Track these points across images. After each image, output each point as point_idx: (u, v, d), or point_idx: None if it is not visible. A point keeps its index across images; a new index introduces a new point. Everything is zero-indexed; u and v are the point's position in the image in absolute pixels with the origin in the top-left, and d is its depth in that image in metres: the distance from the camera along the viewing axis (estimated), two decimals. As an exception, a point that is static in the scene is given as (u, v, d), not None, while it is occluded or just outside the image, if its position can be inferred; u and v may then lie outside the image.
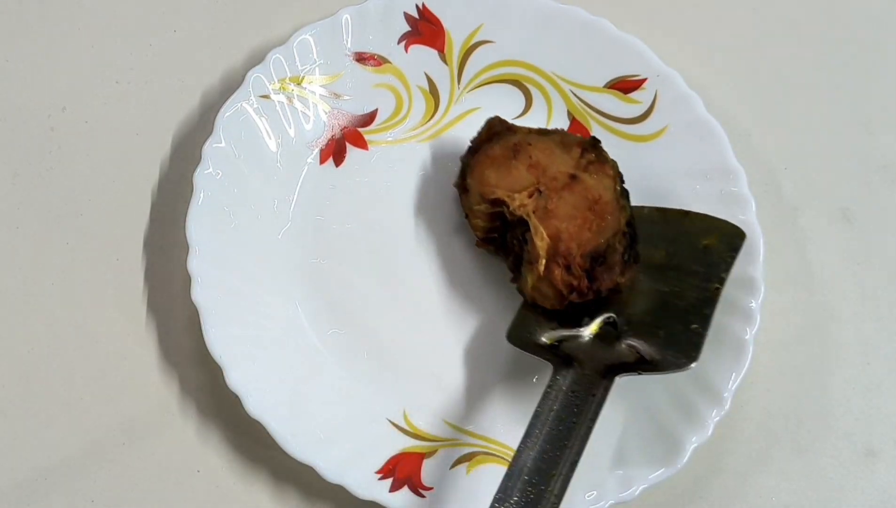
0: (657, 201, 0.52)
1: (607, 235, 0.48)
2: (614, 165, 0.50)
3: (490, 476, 0.49)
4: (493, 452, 0.50)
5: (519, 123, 0.52)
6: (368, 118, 0.54)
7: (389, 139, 0.54)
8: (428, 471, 0.49)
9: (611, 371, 0.45)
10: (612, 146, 0.53)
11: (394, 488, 0.48)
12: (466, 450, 0.49)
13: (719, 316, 0.48)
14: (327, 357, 0.51)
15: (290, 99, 0.53)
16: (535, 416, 0.44)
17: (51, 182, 0.54)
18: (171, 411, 0.51)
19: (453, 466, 0.49)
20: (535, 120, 0.54)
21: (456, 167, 0.52)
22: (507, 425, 0.50)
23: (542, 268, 0.47)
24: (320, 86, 0.54)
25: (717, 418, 0.48)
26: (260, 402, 0.48)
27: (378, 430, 0.49)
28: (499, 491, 0.42)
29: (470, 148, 0.51)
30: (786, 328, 0.54)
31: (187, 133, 0.55)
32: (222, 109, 0.51)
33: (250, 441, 0.51)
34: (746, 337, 0.49)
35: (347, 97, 0.54)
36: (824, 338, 0.54)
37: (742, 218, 0.51)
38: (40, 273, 0.53)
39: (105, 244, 0.53)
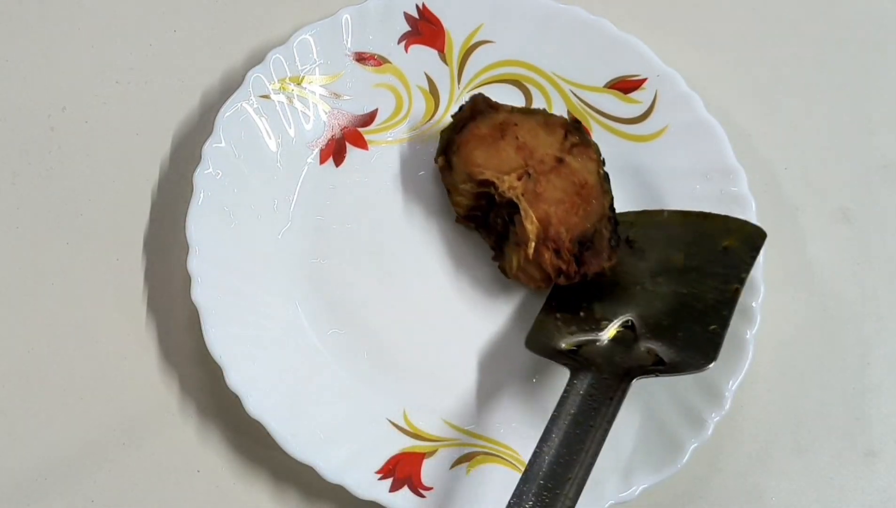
0: (657, 202, 0.52)
1: (593, 219, 0.48)
2: (597, 148, 0.50)
3: (490, 477, 0.49)
4: (493, 452, 0.50)
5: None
6: (368, 118, 0.54)
7: (389, 139, 0.54)
8: (428, 471, 0.49)
9: (628, 374, 0.45)
10: (612, 146, 0.53)
11: (394, 488, 0.48)
12: (466, 450, 0.49)
13: (719, 316, 0.48)
14: (327, 357, 0.51)
15: (290, 99, 0.53)
16: (552, 420, 0.44)
17: (51, 182, 0.54)
18: (171, 411, 0.51)
19: (453, 466, 0.49)
20: (535, 120, 0.54)
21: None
22: (507, 425, 0.50)
23: (531, 251, 0.48)
24: (320, 86, 0.54)
25: (717, 418, 0.48)
26: (260, 402, 0.48)
27: (378, 430, 0.49)
28: (513, 496, 0.42)
29: (453, 124, 0.51)
30: (786, 328, 0.54)
31: (187, 133, 0.55)
32: (222, 109, 0.51)
33: (250, 441, 0.51)
34: (746, 337, 0.49)
35: (347, 97, 0.54)
36: (824, 338, 0.54)
37: (742, 218, 0.51)
38: (40, 273, 0.53)
39: (105, 244, 0.53)
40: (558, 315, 0.50)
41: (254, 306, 0.50)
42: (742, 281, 0.48)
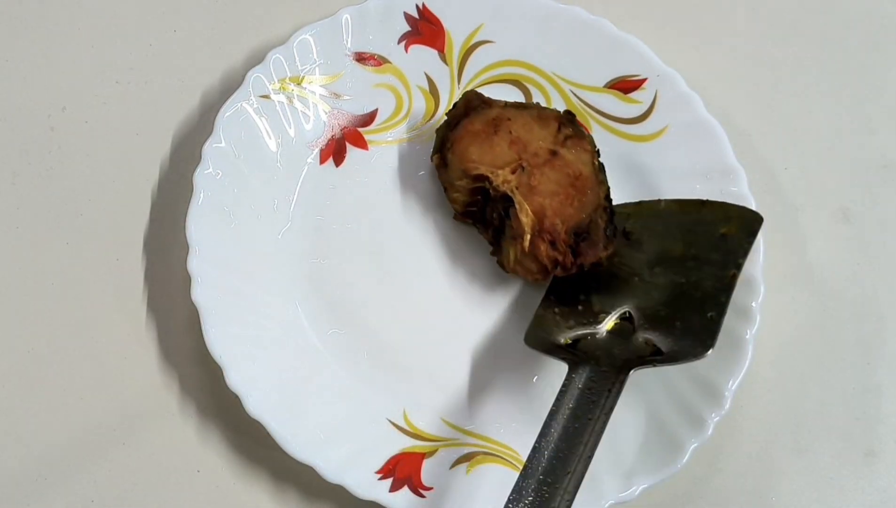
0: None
1: (589, 210, 0.49)
2: (591, 139, 0.51)
3: (490, 476, 0.49)
4: (493, 452, 0.50)
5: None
6: (368, 118, 0.54)
7: (389, 139, 0.54)
8: (428, 471, 0.49)
9: (627, 366, 0.46)
10: (612, 146, 0.53)
11: (394, 488, 0.48)
12: (466, 450, 0.49)
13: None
14: (327, 357, 0.51)
15: (290, 99, 0.53)
16: (551, 415, 0.44)
17: (51, 182, 0.54)
18: (171, 411, 0.51)
19: (453, 466, 0.49)
20: (535, 120, 0.54)
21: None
22: (507, 425, 0.50)
23: (527, 243, 0.48)
24: (320, 86, 0.54)
25: (717, 418, 0.48)
26: (260, 402, 0.48)
27: (378, 430, 0.49)
28: (513, 492, 0.42)
29: (447, 122, 0.51)
30: (786, 328, 0.54)
31: (187, 133, 0.55)
32: (222, 109, 0.51)
33: (250, 441, 0.51)
34: (746, 337, 0.49)
35: (347, 97, 0.54)
36: (824, 338, 0.54)
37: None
38: (40, 273, 0.53)
39: (105, 244, 0.53)
40: (556, 310, 0.50)
41: (254, 306, 0.50)
42: (739, 266, 0.48)
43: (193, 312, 0.49)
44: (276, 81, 0.53)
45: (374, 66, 0.54)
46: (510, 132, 0.50)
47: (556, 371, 0.51)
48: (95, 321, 0.52)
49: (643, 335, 0.48)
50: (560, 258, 0.48)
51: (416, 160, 0.54)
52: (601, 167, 0.50)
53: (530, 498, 0.41)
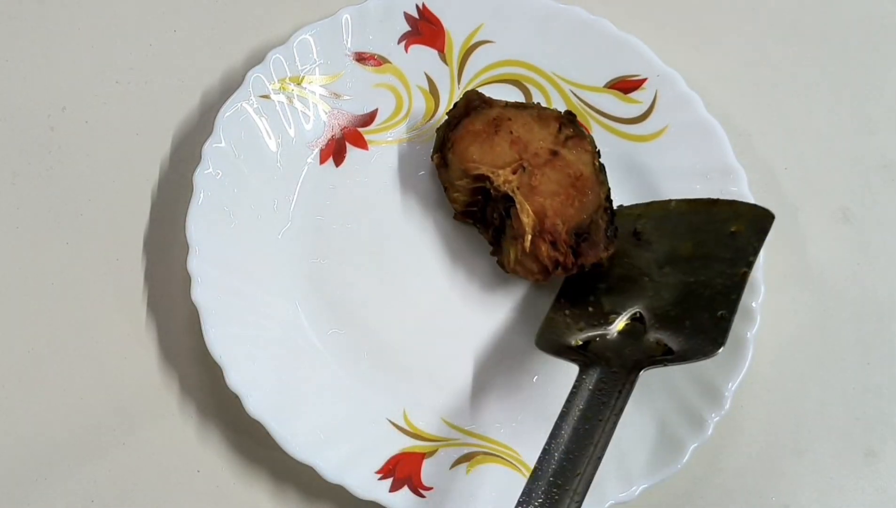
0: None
1: (589, 210, 0.49)
2: (591, 139, 0.51)
3: (490, 476, 0.49)
4: (493, 452, 0.50)
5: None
6: (368, 118, 0.54)
7: (389, 139, 0.54)
8: (428, 471, 0.49)
9: (637, 366, 0.46)
10: (613, 146, 0.53)
11: (394, 488, 0.48)
12: (466, 450, 0.49)
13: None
14: (327, 357, 0.51)
15: (290, 99, 0.53)
16: (561, 416, 0.44)
17: (51, 182, 0.54)
18: (171, 411, 0.51)
19: (453, 466, 0.49)
20: (535, 120, 0.54)
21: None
22: (507, 425, 0.50)
23: (527, 244, 0.48)
24: (320, 86, 0.54)
25: (717, 418, 0.48)
26: (260, 402, 0.48)
27: (378, 430, 0.49)
28: (523, 494, 0.42)
29: (447, 121, 0.51)
30: (786, 328, 0.54)
31: (187, 133, 0.55)
32: (222, 109, 0.51)
33: (250, 441, 0.51)
34: (746, 337, 0.49)
35: (347, 97, 0.54)
36: (824, 338, 0.54)
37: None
38: (40, 273, 0.53)
39: (105, 244, 0.53)
40: (567, 312, 0.50)
41: (254, 306, 0.50)
42: (750, 264, 0.47)
43: (193, 312, 0.49)
44: (276, 81, 0.53)
45: (374, 66, 0.54)
46: (511, 132, 0.50)
47: (557, 372, 0.51)
48: (95, 321, 0.52)
49: (654, 335, 0.47)
50: (561, 259, 0.48)
51: (416, 160, 0.54)
52: (602, 168, 0.50)
53: (540, 501, 0.41)
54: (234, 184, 0.51)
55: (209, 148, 0.51)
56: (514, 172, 0.49)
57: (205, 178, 0.50)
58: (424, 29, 0.55)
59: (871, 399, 0.54)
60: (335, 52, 0.54)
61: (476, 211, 0.51)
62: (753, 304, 0.50)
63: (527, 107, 0.51)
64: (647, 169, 0.53)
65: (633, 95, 0.54)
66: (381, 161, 0.54)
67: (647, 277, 0.49)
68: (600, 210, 0.49)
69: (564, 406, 0.44)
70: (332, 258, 0.52)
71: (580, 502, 0.41)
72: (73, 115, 0.55)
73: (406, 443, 0.49)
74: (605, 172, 0.50)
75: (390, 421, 0.50)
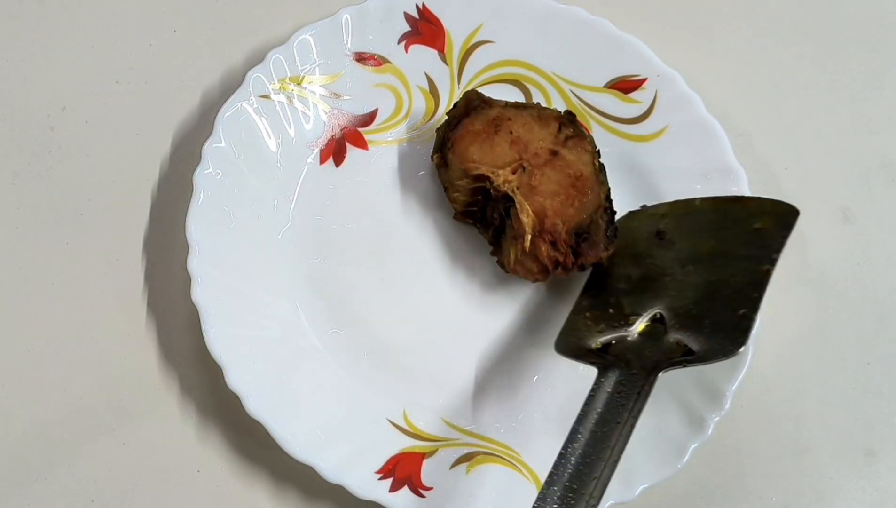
0: (657, 201, 0.52)
1: (590, 210, 0.49)
2: (591, 139, 0.51)
3: (490, 476, 0.49)
4: (493, 452, 0.50)
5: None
6: (368, 118, 0.54)
7: (389, 139, 0.54)
8: (428, 471, 0.49)
9: (656, 367, 0.45)
10: (613, 146, 0.53)
11: (394, 488, 0.48)
12: (466, 450, 0.49)
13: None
14: (327, 357, 0.51)
15: (290, 99, 0.53)
16: (578, 420, 0.44)
17: (51, 182, 0.54)
18: (171, 411, 0.51)
19: (453, 466, 0.49)
20: (535, 120, 0.54)
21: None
22: (507, 425, 0.50)
23: (527, 244, 0.48)
24: (320, 86, 0.54)
25: (717, 418, 0.48)
26: (260, 402, 0.48)
27: (378, 430, 0.49)
28: (538, 500, 0.41)
29: (447, 121, 0.52)
30: (786, 328, 0.54)
31: (187, 133, 0.55)
32: (222, 109, 0.51)
33: (250, 441, 0.51)
34: (747, 337, 0.49)
35: (347, 97, 0.54)
36: (824, 338, 0.54)
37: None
38: (40, 273, 0.53)
39: (105, 244, 0.53)
40: (588, 314, 0.49)
41: (254, 306, 0.50)
42: (773, 261, 0.46)
43: (193, 312, 0.49)
44: (276, 81, 0.53)
45: (374, 66, 0.54)
46: (511, 132, 0.50)
47: (557, 371, 0.51)
48: (95, 321, 0.52)
49: (674, 336, 0.47)
50: (561, 259, 0.48)
51: (416, 160, 0.54)
52: (602, 168, 0.50)
53: (555, 505, 0.41)
54: (234, 184, 0.51)
55: (209, 148, 0.51)
56: (513, 172, 0.49)
57: (205, 178, 0.50)
58: (424, 29, 0.55)
59: (871, 399, 0.54)
60: (335, 52, 0.54)
61: (476, 211, 0.51)
62: (753, 304, 0.50)
63: (527, 107, 0.51)
64: (647, 169, 0.53)
65: (633, 95, 0.54)
66: (381, 161, 0.54)
67: (670, 276, 0.49)
68: (600, 210, 0.49)
69: (582, 410, 0.44)
70: (332, 258, 0.52)
71: (595, 506, 0.41)
72: (73, 115, 0.55)
73: (406, 443, 0.49)
74: (605, 172, 0.50)
75: (390, 421, 0.50)
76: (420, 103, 0.55)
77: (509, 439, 0.50)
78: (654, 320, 0.48)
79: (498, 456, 0.49)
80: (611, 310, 0.49)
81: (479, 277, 0.53)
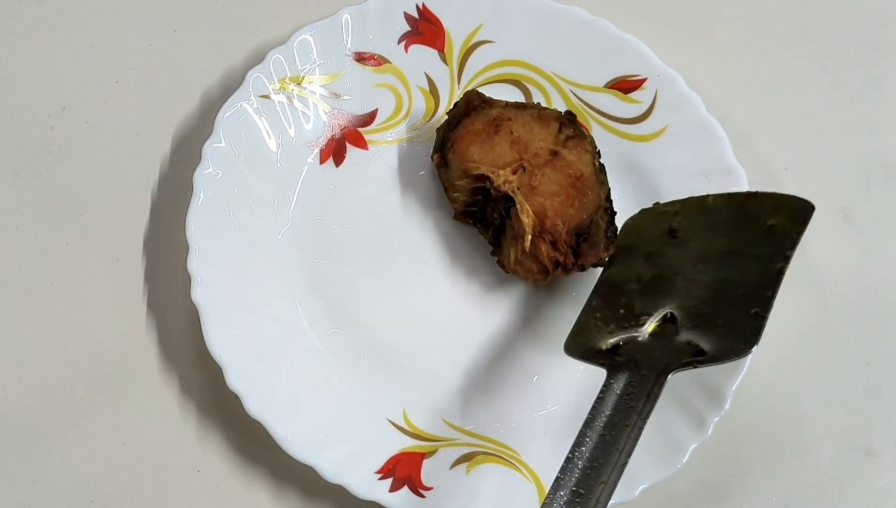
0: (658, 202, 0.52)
1: (590, 211, 0.49)
2: (592, 140, 0.51)
3: (490, 476, 0.49)
4: (493, 452, 0.50)
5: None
6: (368, 118, 0.54)
7: (389, 139, 0.54)
8: (428, 471, 0.49)
9: (666, 369, 0.44)
10: (613, 146, 0.53)
11: (394, 488, 0.48)
12: (466, 450, 0.49)
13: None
14: (327, 357, 0.51)
15: (290, 99, 0.53)
16: (587, 424, 0.43)
17: (51, 182, 0.54)
18: (171, 411, 0.51)
19: (453, 466, 0.49)
20: (535, 120, 0.54)
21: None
22: (507, 425, 0.50)
23: (528, 244, 0.48)
24: (320, 86, 0.54)
25: (717, 418, 0.48)
26: (260, 402, 0.48)
27: (378, 430, 0.49)
28: (545, 505, 0.40)
29: (447, 121, 0.52)
30: (786, 328, 0.54)
31: (187, 133, 0.55)
32: (222, 109, 0.51)
33: (250, 441, 0.51)
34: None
35: (347, 97, 0.54)
36: (824, 338, 0.54)
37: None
38: (40, 273, 0.53)
39: (105, 244, 0.53)
40: (598, 315, 0.48)
41: (254, 306, 0.50)
42: (787, 259, 0.46)
43: (193, 312, 0.49)
44: (276, 81, 0.53)
45: (374, 66, 0.54)
46: (511, 132, 0.50)
47: (557, 371, 0.51)
48: (95, 321, 0.52)
49: (685, 336, 0.46)
50: (561, 259, 0.48)
51: (416, 160, 0.54)
52: (602, 168, 0.50)
53: None
54: (234, 184, 0.51)
55: (209, 148, 0.51)
56: (514, 173, 0.49)
57: (205, 178, 0.50)
58: (424, 29, 0.55)
59: (871, 399, 0.54)
60: (335, 52, 0.54)
61: (476, 211, 0.51)
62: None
63: (527, 107, 0.51)
64: (647, 169, 0.53)
65: (633, 95, 0.54)
66: (381, 161, 0.54)
67: (681, 275, 0.48)
68: (600, 210, 0.49)
69: (590, 413, 0.43)
70: (332, 258, 0.52)
71: None
72: (73, 115, 0.55)
73: (406, 443, 0.49)
74: (606, 173, 0.50)
75: (390, 421, 0.50)
76: (420, 103, 0.55)
77: (509, 439, 0.50)
78: (665, 319, 0.47)
79: (498, 456, 0.49)
80: (621, 310, 0.48)
81: (479, 277, 0.53)
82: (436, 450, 0.49)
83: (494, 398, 0.51)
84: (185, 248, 0.49)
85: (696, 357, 0.45)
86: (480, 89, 0.53)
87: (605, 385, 0.44)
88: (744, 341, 0.44)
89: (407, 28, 0.54)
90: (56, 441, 0.51)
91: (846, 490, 0.52)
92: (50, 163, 0.54)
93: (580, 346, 0.47)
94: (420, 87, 0.55)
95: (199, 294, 0.49)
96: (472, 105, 0.51)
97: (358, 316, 0.52)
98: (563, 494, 0.41)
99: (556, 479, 0.41)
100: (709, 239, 0.48)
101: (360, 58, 0.54)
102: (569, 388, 0.51)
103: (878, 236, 0.56)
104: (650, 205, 0.51)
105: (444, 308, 0.52)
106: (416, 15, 0.54)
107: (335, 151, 0.54)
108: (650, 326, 0.47)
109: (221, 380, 0.48)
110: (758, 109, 0.58)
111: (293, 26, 0.54)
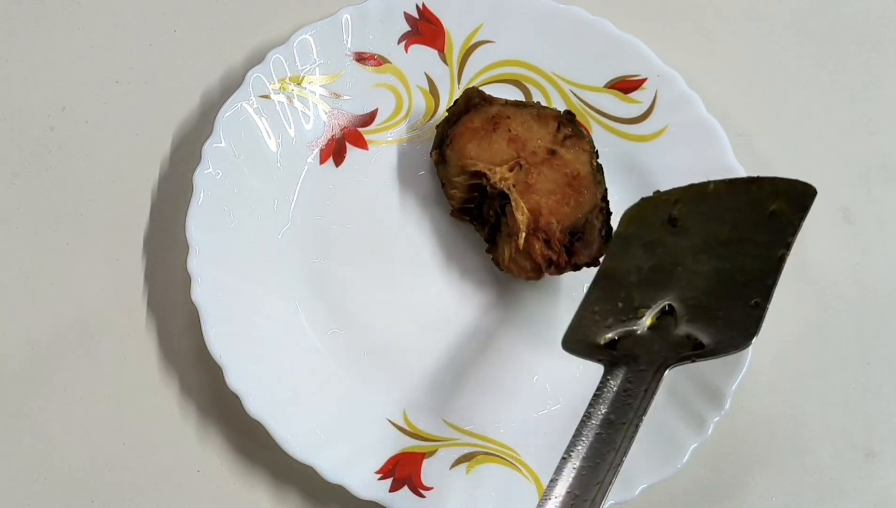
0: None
1: (585, 210, 0.49)
2: (590, 139, 0.51)
3: (490, 476, 0.49)
4: (493, 452, 0.50)
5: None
6: (368, 118, 0.54)
7: (389, 139, 0.54)
8: (428, 471, 0.49)
9: (664, 364, 0.43)
10: (613, 146, 0.53)
11: (394, 488, 0.48)
12: (466, 450, 0.49)
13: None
14: (327, 357, 0.51)
15: (290, 99, 0.53)
16: (583, 421, 0.42)
17: (51, 182, 0.54)
18: (171, 411, 0.51)
19: (453, 466, 0.49)
20: (535, 120, 0.54)
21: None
22: (507, 425, 0.50)
23: (521, 241, 0.48)
24: (320, 86, 0.54)
25: (717, 418, 0.48)
26: (260, 402, 0.48)
27: (378, 430, 0.49)
28: (539, 506, 0.40)
29: (447, 118, 0.52)
30: (786, 328, 0.54)
31: (187, 133, 0.55)
32: (222, 109, 0.51)
33: (250, 441, 0.51)
34: (746, 337, 0.49)
35: (347, 97, 0.54)
36: (824, 338, 0.54)
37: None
38: (40, 273, 0.53)
39: (105, 244, 0.53)
40: (596, 308, 0.47)
41: (254, 306, 0.50)
42: (789, 246, 0.44)
43: (193, 312, 0.49)
44: (276, 81, 0.53)
45: (374, 66, 0.54)
46: (509, 130, 0.50)
47: (557, 371, 0.51)
48: (95, 321, 0.52)
49: (684, 329, 0.45)
50: (554, 257, 0.48)
51: (416, 160, 0.54)
52: (599, 168, 0.50)
53: None
54: (234, 184, 0.51)
55: (209, 148, 0.51)
56: (510, 170, 0.49)
57: (205, 178, 0.50)
58: (424, 29, 0.55)
59: (871, 399, 0.54)
60: (335, 52, 0.54)
61: (473, 208, 0.52)
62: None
63: (526, 106, 0.51)
64: (647, 169, 0.53)
65: (633, 95, 0.54)
66: (381, 161, 0.54)
67: (681, 266, 0.47)
68: (596, 210, 0.49)
69: (586, 412, 0.42)
70: (332, 258, 0.52)
71: None
72: (73, 115, 0.55)
73: (406, 443, 0.49)
74: (603, 173, 0.50)
75: (390, 421, 0.50)
76: (420, 103, 0.55)
77: (509, 439, 0.50)
78: (664, 312, 0.46)
79: (498, 456, 0.49)
80: (620, 304, 0.47)
81: (479, 276, 0.53)
82: (436, 450, 0.49)
83: (494, 398, 0.51)
84: (185, 248, 0.49)
85: (694, 351, 0.44)
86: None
87: (601, 382, 0.43)
88: (743, 333, 0.43)
89: (407, 28, 0.54)
90: (56, 441, 0.51)
91: (846, 490, 0.52)
92: (50, 163, 0.54)
93: (577, 341, 0.46)
94: (420, 87, 0.55)
95: (199, 294, 0.49)
96: (472, 102, 0.51)
97: (358, 316, 0.52)
98: (558, 495, 0.40)
99: (552, 479, 0.40)
100: (709, 227, 0.47)
101: (360, 58, 0.54)
102: (568, 387, 0.51)
103: (878, 236, 0.56)
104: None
105: (445, 308, 0.52)
106: (416, 15, 0.54)
107: (335, 151, 0.54)
108: (648, 319, 0.46)
109: (221, 380, 0.48)
110: (758, 109, 0.58)
111: (293, 26, 0.54)
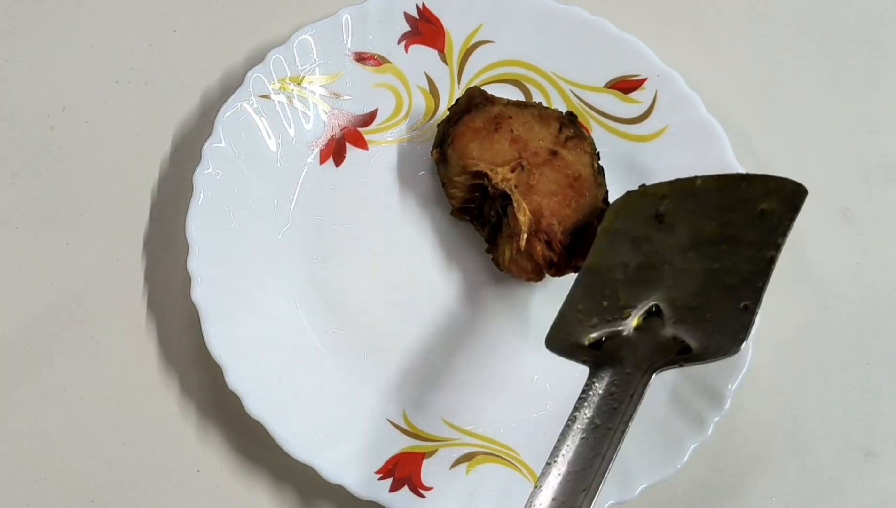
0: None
1: (586, 212, 0.49)
2: (591, 141, 0.51)
3: (490, 476, 0.49)
4: (493, 452, 0.50)
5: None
6: (368, 118, 0.54)
7: (389, 139, 0.54)
8: (428, 471, 0.49)
9: (651, 368, 0.42)
10: (613, 146, 0.53)
11: (394, 488, 0.48)
12: (466, 450, 0.49)
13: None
14: (327, 357, 0.51)
15: (290, 99, 0.53)
16: (567, 427, 0.41)
17: (51, 182, 0.54)
18: (171, 411, 0.51)
19: (453, 466, 0.49)
20: (535, 120, 0.54)
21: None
22: (507, 424, 0.50)
23: (523, 242, 0.48)
24: (320, 86, 0.54)
25: (717, 418, 0.48)
26: (260, 402, 0.48)
27: (378, 430, 0.49)
28: None
29: (449, 117, 0.52)
30: (786, 328, 0.54)
31: (187, 133, 0.55)
32: (222, 109, 0.51)
33: (250, 441, 0.51)
34: (747, 337, 0.49)
35: (347, 97, 0.54)
36: (824, 338, 0.54)
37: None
38: (40, 273, 0.53)
39: (105, 244, 0.53)
40: (580, 307, 0.45)
41: (254, 306, 0.50)
42: (778, 247, 0.43)
43: (193, 312, 0.49)
44: (276, 81, 0.53)
45: (374, 66, 0.54)
46: (511, 130, 0.50)
47: (556, 371, 0.51)
48: (95, 321, 0.52)
49: (671, 331, 0.43)
50: (555, 259, 0.48)
51: (417, 160, 0.54)
52: (601, 169, 0.50)
53: None
54: (234, 184, 0.51)
55: (209, 148, 0.51)
56: (512, 171, 0.49)
57: (205, 178, 0.50)
58: (424, 29, 0.55)
59: (871, 399, 0.54)
60: (335, 52, 0.54)
61: (473, 208, 0.52)
62: (753, 304, 0.49)
63: (528, 106, 0.51)
64: (647, 169, 0.53)
65: (633, 95, 0.54)
66: (381, 161, 0.54)
67: (669, 264, 0.45)
68: (597, 211, 0.49)
69: (571, 416, 0.41)
70: (332, 258, 0.52)
71: None
72: (73, 115, 0.55)
73: (406, 443, 0.49)
74: (604, 174, 0.50)
75: (390, 421, 0.50)
76: (420, 103, 0.55)
77: (509, 439, 0.50)
78: (650, 313, 0.45)
79: (498, 456, 0.49)
80: (605, 303, 0.45)
81: (479, 276, 0.53)
82: (436, 450, 0.49)
83: (494, 398, 0.51)
84: (185, 248, 0.49)
85: (682, 355, 0.42)
86: (480, 89, 0.54)
87: (586, 385, 0.42)
88: (732, 338, 0.41)
89: (407, 28, 0.54)
90: (56, 441, 0.51)
91: (846, 490, 0.52)
92: (50, 163, 0.54)
93: (561, 341, 0.45)
94: (420, 87, 0.55)
95: (199, 294, 0.49)
96: (473, 102, 0.51)
97: (358, 316, 0.52)
98: (543, 502, 0.39)
99: (535, 487, 0.39)
100: (697, 225, 0.46)
101: (360, 58, 0.54)
102: (569, 387, 0.50)
103: (878, 236, 0.56)
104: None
105: (445, 308, 0.52)
106: (416, 15, 0.54)
107: (335, 151, 0.54)
108: (635, 320, 0.45)
109: (221, 380, 0.48)
110: (758, 109, 0.58)
111: (293, 26, 0.54)
